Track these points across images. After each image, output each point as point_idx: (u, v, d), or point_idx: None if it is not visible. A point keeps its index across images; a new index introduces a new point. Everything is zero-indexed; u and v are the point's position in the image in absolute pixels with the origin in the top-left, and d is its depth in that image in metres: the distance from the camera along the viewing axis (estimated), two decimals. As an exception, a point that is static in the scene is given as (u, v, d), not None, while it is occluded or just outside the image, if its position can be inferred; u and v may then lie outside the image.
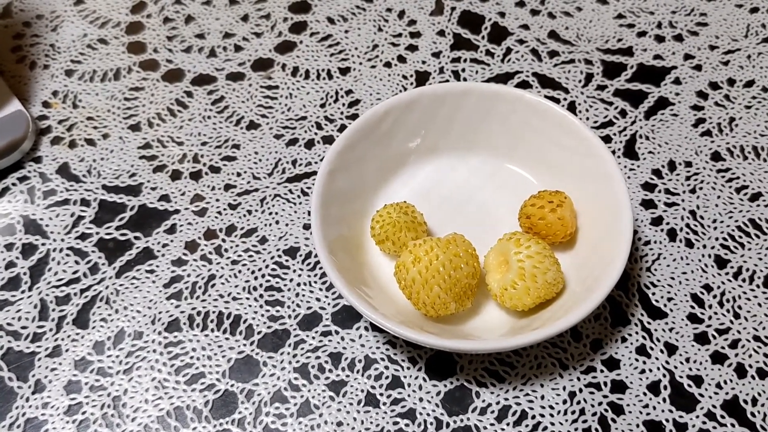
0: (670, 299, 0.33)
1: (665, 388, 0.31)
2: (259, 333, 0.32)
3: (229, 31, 0.45)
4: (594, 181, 0.33)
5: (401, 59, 0.43)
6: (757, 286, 0.33)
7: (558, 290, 0.30)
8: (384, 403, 0.30)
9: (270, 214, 0.36)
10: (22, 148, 0.38)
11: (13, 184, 0.38)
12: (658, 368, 0.31)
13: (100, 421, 0.30)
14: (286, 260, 0.35)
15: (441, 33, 0.44)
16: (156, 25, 0.45)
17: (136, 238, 0.36)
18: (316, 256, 0.35)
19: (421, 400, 0.30)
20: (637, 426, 0.30)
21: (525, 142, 0.35)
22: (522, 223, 0.33)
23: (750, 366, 0.31)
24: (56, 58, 0.43)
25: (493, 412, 0.30)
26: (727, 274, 0.34)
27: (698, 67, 0.41)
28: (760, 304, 0.33)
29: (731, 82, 0.41)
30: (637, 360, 0.31)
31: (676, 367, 0.31)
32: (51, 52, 0.44)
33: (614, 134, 0.39)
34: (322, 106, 0.41)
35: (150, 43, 0.44)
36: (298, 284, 0.34)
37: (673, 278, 0.34)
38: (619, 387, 0.31)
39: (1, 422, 0.30)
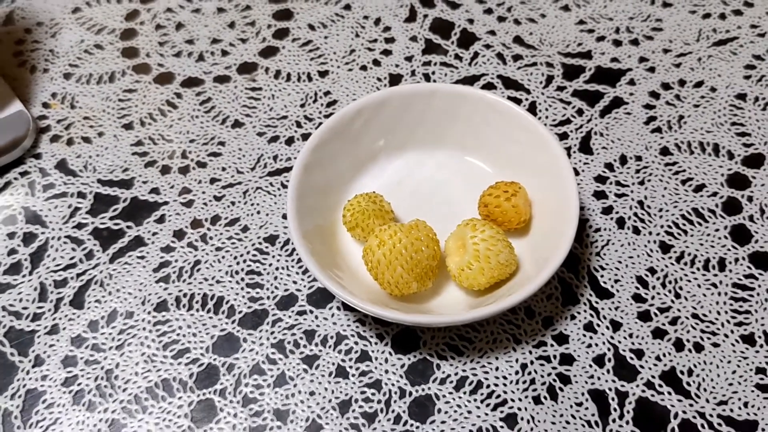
0: (617, 281, 0.35)
1: (609, 360, 0.33)
2: (240, 312, 0.35)
3: (217, 37, 0.47)
4: (547, 174, 0.35)
5: (376, 63, 0.45)
6: (698, 269, 0.36)
7: (511, 271, 0.33)
8: (353, 375, 0.33)
9: (252, 205, 0.39)
10: (23, 145, 0.41)
11: (15, 179, 0.40)
12: (604, 343, 0.34)
13: (94, 392, 0.33)
14: (266, 247, 0.37)
15: (413, 38, 0.46)
16: (148, 32, 0.47)
17: (128, 227, 0.38)
18: (293, 243, 0.37)
19: (386, 371, 0.33)
20: (583, 394, 0.32)
21: (486, 138, 0.38)
22: (480, 211, 0.35)
23: (687, 341, 0.33)
24: (55, 63, 0.46)
25: (452, 382, 0.33)
26: (670, 258, 0.36)
27: (652, 69, 0.44)
28: (699, 285, 0.35)
29: (682, 82, 0.43)
30: (584, 335, 0.34)
31: (620, 342, 0.34)
32: (50, 57, 0.46)
33: (571, 131, 0.41)
34: (302, 106, 0.43)
35: (143, 48, 0.47)
36: (277, 269, 0.36)
37: (620, 262, 0.36)
38: (567, 359, 0.33)
39: (3, 393, 0.33)
